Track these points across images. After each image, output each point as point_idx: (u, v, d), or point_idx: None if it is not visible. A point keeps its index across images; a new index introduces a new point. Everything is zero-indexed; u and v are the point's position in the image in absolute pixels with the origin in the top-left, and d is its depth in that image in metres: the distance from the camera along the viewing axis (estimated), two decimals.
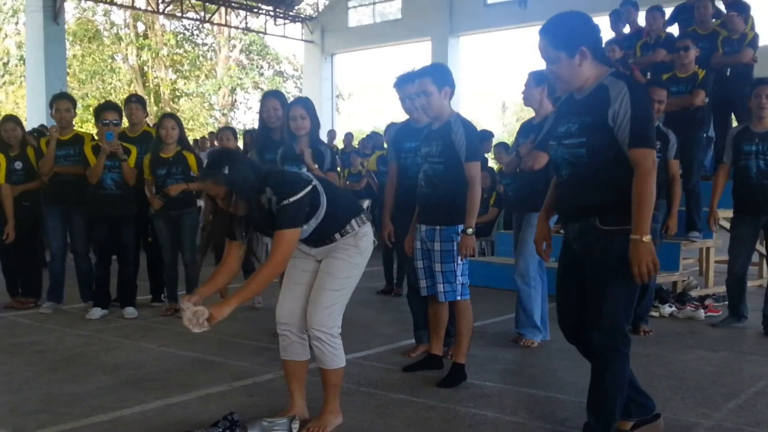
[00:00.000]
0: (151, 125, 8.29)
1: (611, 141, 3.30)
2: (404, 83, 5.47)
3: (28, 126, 15.33)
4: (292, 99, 6.14)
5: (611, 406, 3.48)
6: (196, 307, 3.50)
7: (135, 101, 7.75)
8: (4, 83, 34.11)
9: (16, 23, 32.84)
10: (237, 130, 10.15)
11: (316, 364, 3.99)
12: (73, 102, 7.59)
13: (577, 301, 3.58)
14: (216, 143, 13.40)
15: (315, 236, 3.81)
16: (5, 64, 33.74)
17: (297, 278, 3.94)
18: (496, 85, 67.30)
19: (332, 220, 3.80)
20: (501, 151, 10.80)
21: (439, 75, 4.87)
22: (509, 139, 16.99)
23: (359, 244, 3.88)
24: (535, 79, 5.70)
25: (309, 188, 3.69)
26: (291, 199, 3.60)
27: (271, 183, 3.67)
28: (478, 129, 5.42)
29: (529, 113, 6.13)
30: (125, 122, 7.65)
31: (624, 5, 10.18)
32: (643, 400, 3.74)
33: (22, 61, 29.46)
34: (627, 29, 10.32)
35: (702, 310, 7.06)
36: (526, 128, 5.99)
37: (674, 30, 10.05)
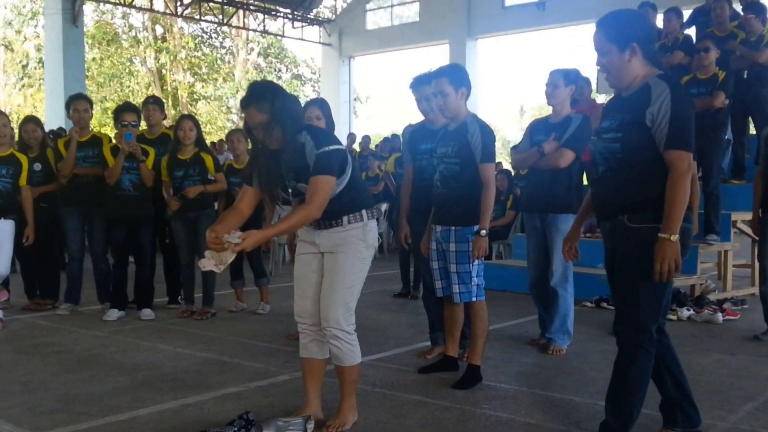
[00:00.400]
0: (168, 127, 8.31)
1: (647, 140, 3.34)
2: (421, 84, 5.45)
3: (46, 129, 15.40)
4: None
5: (630, 405, 3.48)
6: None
7: (152, 102, 7.75)
8: (23, 86, 34.42)
9: (35, 26, 33.14)
10: None
11: (330, 366, 4.00)
12: (90, 102, 7.61)
13: None
14: (227, 146, 13.27)
15: (327, 207, 3.74)
16: (24, 67, 34.07)
17: (309, 279, 3.95)
18: (514, 88, 67.27)
19: (348, 196, 3.83)
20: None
21: (455, 75, 4.86)
22: None
23: (366, 238, 3.89)
24: (565, 77, 5.66)
25: (342, 147, 3.78)
26: (329, 147, 3.67)
27: (309, 130, 3.77)
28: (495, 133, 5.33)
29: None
30: (143, 124, 7.67)
31: (642, 7, 10.12)
32: (691, 413, 3.70)
33: (40, 64, 29.72)
34: None
35: (720, 314, 7.02)
36: (541, 126, 5.86)
37: (692, 32, 10.01)
